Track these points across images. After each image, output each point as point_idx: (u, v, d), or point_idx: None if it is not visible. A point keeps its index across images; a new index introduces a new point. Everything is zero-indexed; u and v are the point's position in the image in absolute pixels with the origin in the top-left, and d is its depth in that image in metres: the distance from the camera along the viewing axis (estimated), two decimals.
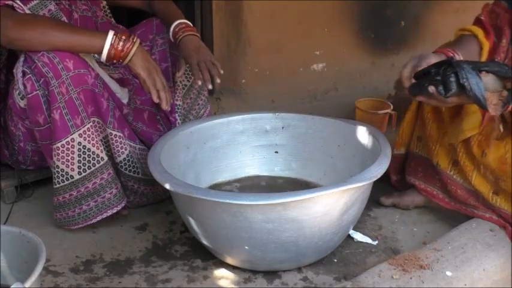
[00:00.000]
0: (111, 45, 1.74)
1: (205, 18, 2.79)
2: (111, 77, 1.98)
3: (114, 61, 1.78)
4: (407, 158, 2.05)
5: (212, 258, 1.79)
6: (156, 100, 1.82)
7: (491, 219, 1.83)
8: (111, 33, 1.75)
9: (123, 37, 1.76)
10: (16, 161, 2.04)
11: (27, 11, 1.81)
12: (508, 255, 1.73)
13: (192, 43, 1.97)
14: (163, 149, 1.79)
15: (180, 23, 2.00)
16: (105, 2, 2.18)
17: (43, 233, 1.91)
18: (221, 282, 1.71)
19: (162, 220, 2.00)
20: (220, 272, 1.75)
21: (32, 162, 2.03)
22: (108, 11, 2.20)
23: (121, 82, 2.04)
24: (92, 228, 1.93)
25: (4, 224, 1.93)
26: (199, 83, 1.91)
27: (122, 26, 2.21)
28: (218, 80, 1.91)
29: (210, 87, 1.91)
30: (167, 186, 1.60)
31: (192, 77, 2.06)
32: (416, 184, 1.99)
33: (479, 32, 1.82)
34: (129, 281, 1.71)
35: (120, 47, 1.75)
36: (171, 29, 2.01)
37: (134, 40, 1.78)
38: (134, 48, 1.77)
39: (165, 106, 1.83)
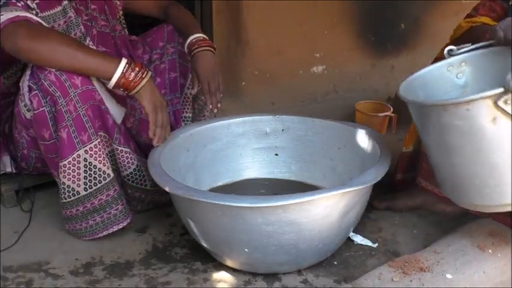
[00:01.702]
0: (122, 73, 1.70)
1: (205, 20, 2.79)
2: (114, 92, 1.91)
3: (121, 89, 1.75)
4: (419, 158, 2.01)
5: (212, 261, 1.79)
6: (151, 136, 1.79)
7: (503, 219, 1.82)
8: (123, 62, 1.71)
9: (136, 68, 1.72)
10: (19, 167, 2.04)
11: (44, 23, 1.77)
12: (508, 258, 1.73)
13: (208, 61, 1.99)
14: (163, 152, 1.79)
15: (198, 37, 2.01)
16: (121, 13, 2.14)
17: (43, 235, 1.92)
18: (221, 285, 1.71)
19: (162, 223, 2.00)
20: (220, 275, 1.75)
21: (35, 169, 2.02)
22: (124, 21, 2.16)
23: (122, 99, 2.00)
24: None
25: (27, 226, 1.94)
26: (211, 106, 1.99)
27: (134, 36, 2.17)
28: (215, 110, 2.01)
29: (215, 111, 2.02)
30: (167, 188, 1.60)
31: (199, 86, 2.08)
32: (430, 189, 1.97)
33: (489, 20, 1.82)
34: (129, 283, 1.71)
35: (131, 77, 1.71)
36: (188, 41, 2.01)
37: (145, 74, 1.74)
38: (144, 82, 1.73)
39: (155, 143, 1.80)
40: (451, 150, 1.50)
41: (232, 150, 2.10)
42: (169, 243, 1.90)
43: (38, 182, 2.11)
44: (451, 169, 1.55)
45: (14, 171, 2.05)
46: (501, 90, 1.36)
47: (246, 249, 1.62)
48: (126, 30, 2.16)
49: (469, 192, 1.54)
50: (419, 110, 1.57)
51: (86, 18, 1.95)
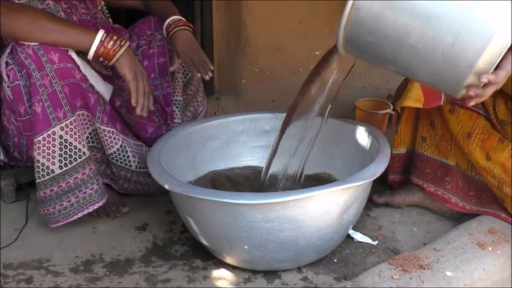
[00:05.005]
0: (101, 42, 1.73)
1: (205, 18, 2.80)
2: (100, 72, 1.93)
3: (101, 59, 1.76)
4: (413, 159, 2.02)
5: (212, 258, 1.79)
6: (133, 104, 1.80)
7: (503, 217, 1.83)
8: (101, 32, 1.75)
9: (114, 37, 1.76)
10: (14, 158, 2.04)
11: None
12: (508, 256, 1.73)
13: (186, 38, 1.98)
14: (162, 150, 1.80)
15: (174, 19, 2.01)
16: (103, 3, 2.16)
17: (42, 232, 1.92)
18: (221, 282, 1.71)
19: (162, 220, 2.00)
20: (220, 272, 1.75)
21: (29, 158, 2.01)
22: (106, 11, 2.18)
23: (109, 79, 2.00)
24: (92, 228, 1.94)
25: (25, 224, 1.95)
26: (199, 75, 1.94)
27: (118, 25, 2.18)
28: (207, 77, 1.95)
29: (207, 78, 1.96)
30: (166, 186, 1.60)
31: (189, 73, 2.09)
32: (425, 187, 1.97)
33: None
34: (129, 281, 1.71)
35: (109, 46, 1.74)
36: (165, 24, 2.02)
37: (123, 42, 1.77)
38: (122, 50, 1.76)
39: (139, 112, 1.81)
40: (401, 37, 1.42)
41: (232, 148, 2.10)
42: (169, 240, 1.90)
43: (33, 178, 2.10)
44: (420, 55, 1.42)
45: (6, 160, 2.05)
46: None
47: (246, 247, 1.63)
48: (110, 20, 2.18)
49: (451, 72, 1.39)
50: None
51: (65, 6, 1.96)
